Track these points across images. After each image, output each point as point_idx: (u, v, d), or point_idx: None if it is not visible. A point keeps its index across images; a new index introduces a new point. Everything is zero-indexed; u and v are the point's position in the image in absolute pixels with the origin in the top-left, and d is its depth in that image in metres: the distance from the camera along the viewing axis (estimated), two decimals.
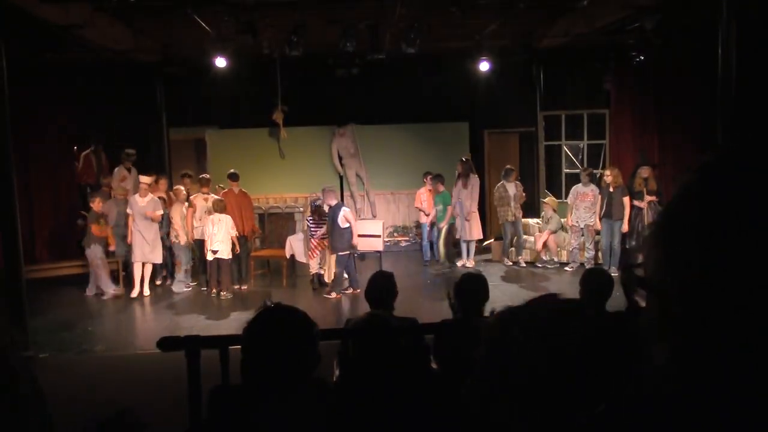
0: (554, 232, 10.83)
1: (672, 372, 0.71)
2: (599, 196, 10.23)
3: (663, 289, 0.71)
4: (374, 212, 13.01)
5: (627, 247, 10.19)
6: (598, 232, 10.43)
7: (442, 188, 10.90)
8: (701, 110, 10.63)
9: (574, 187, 10.66)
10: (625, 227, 9.99)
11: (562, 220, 10.84)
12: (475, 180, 11.24)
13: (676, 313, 0.70)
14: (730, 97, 6.95)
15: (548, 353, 1.25)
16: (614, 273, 9.48)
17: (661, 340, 0.73)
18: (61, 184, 11.62)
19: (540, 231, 11.02)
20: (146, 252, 9.51)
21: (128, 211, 9.57)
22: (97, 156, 11.47)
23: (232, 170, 10.33)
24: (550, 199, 11.17)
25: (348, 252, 9.29)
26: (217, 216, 9.17)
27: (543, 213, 11.12)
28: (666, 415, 0.72)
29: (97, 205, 9.45)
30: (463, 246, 11.25)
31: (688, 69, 11.14)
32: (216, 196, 9.75)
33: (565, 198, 11.20)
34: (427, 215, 11.19)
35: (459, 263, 11.17)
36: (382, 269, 5.98)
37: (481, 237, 11.52)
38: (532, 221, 11.31)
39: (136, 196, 9.68)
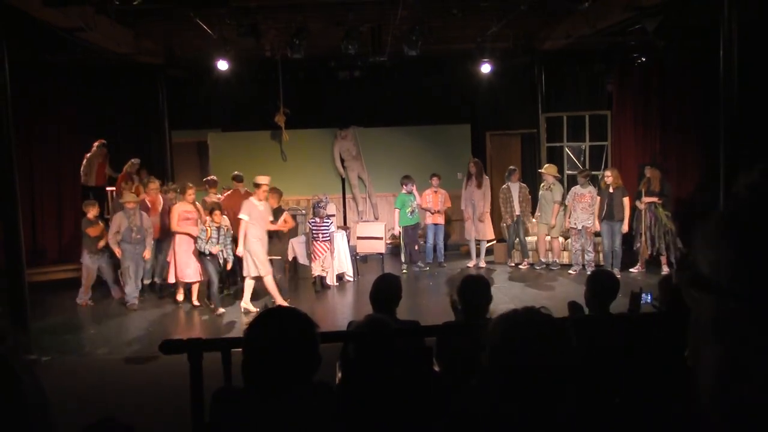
0: (560, 203, 10.63)
1: (726, 371, 0.70)
2: (598, 198, 10.19)
3: (724, 289, 0.70)
4: (376, 214, 13.02)
5: (638, 246, 10.14)
6: (597, 234, 10.39)
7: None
8: (703, 111, 10.64)
9: (572, 189, 10.63)
10: (625, 228, 9.96)
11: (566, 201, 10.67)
12: (487, 181, 11.25)
13: (735, 313, 0.69)
14: (732, 97, 6.95)
15: (549, 354, 1.25)
16: (618, 275, 9.50)
17: (715, 340, 0.72)
18: (65, 185, 11.64)
19: (540, 213, 10.85)
20: (269, 265, 8.51)
21: (243, 217, 8.34)
22: (139, 174, 11.29)
23: (236, 172, 10.36)
24: (548, 167, 10.96)
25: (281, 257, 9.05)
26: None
27: (543, 183, 10.84)
28: (721, 412, 0.71)
29: (94, 211, 9.24)
30: (473, 246, 11.26)
31: (690, 70, 11.15)
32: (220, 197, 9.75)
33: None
34: (433, 213, 11.19)
35: (470, 264, 11.19)
36: (386, 272, 5.98)
37: (493, 237, 11.52)
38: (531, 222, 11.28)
39: (252, 199, 8.52)
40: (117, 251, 8.89)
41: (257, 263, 8.36)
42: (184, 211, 8.88)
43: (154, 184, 9.76)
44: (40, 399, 1.11)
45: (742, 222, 0.71)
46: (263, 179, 8.61)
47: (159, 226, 9.46)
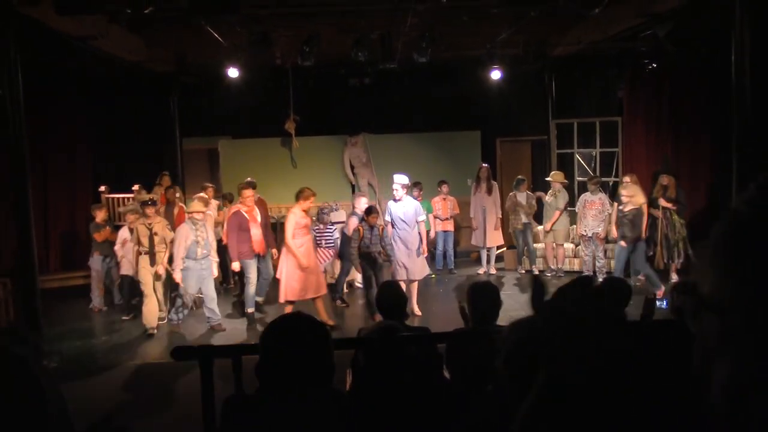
0: (562, 210, 10.58)
1: (734, 388, 0.70)
2: (614, 205, 10.09)
3: (725, 308, 0.70)
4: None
5: (651, 255, 10.01)
6: (607, 241, 10.31)
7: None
8: (715, 117, 10.57)
9: (582, 196, 10.56)
10: (642, 234, 9.84)
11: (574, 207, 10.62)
12: (496, 186, 11.25)
13: (738, 330, 0.68)
14: (744, 103, 6.91)
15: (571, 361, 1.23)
16: (635, 283, 9.42)
17: (722, 358, 0.71)
18: (77, 193, 11.72)
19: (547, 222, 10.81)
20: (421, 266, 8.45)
21: (387, 218, 8.44)
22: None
23: (249, 178, 10.36)
24: (555, 174, 10.92)
25: None
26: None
27: (550, 190, 10.77)
28: (732, 427, 0.71)
29: (101, 215, 9.29)
30: (483, 253, 11.24)
31: (702, 76, 11.07)
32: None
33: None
34: (443, 220, 11.19)
35: (481, 270, 11.17)
36: (387, 280, 5.99)
37: (503, 244, 11.50)
38: (540, 227, 11.24)
39: (391, 202, 8.56)
40: (178, 274, 7.70)
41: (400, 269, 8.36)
42: (301, 218, 7.89)
43: (250, 191, 8.35)
44: (60, 405, 1.11)
45: (741, 240, 0.70)
46: (402, 178, 8.48)
47: (261, 239, 8.35)
